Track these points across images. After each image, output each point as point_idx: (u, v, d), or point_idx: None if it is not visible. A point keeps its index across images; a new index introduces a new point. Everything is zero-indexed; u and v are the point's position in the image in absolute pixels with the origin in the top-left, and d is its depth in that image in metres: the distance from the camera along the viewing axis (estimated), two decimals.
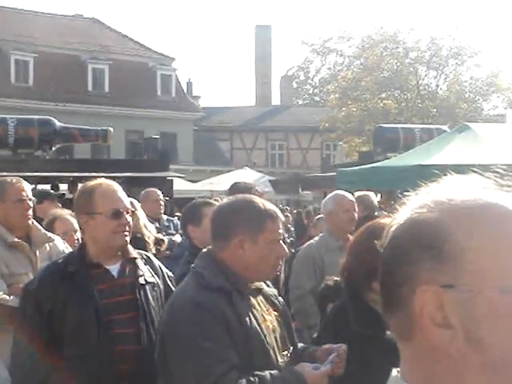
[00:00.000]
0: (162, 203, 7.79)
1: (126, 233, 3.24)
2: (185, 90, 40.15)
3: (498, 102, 36.98)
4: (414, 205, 1.00)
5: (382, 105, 34.83)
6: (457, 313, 0.93)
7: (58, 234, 4.65)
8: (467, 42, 36.50)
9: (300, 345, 2.99)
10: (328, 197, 5.52)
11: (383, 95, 35.98)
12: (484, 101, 37.13)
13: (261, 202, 2.77)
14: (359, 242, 3.09)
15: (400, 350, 1.03)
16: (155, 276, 3.32)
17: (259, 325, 2.64)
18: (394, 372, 1.06)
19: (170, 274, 3.48)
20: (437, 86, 37.68)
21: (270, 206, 2.77)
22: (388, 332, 2.44)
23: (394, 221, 1.02)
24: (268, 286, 2.96)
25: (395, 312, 0.99)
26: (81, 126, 14.24)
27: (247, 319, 2.60)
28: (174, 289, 3.22)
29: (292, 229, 13.50)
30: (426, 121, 30.98)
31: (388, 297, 1.01)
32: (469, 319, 0.92)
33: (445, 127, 17.70)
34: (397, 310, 0.99)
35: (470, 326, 0.92)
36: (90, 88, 35.21)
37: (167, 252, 6.34)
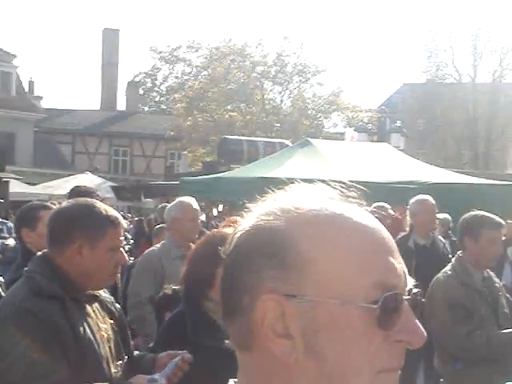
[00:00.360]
0: None
1: None
2: (26, 90, 38.78)
3: (338, 120, 38.67)
4: (260, 212, 0.98)
5: (227, 116, 35.35)
6: (298, 323, 0.91)
7: None
8: (311, 61, 37.91)
9: (136, 353, 2.93)
10: (172, 204, 5.40)
11: (229, 107, 36.58)
12: (325, 118, 38.70)
13: (102, 208, 2.69)
14: (198, 251, 3.09)
15: (238, 360, 1.00)
16: None
17: (93, 334, 2.55)
18: (231, 383, 1.03)
19: (1, 278, 3.33)
20: (281, 101, 38.85)
21: (111, 212, 2.70)
22: (226, 342, 2.45)
23: (239, 227, 1.00)
24: (104, 292, 2.88)
25: (235, 320, 0.97)
26: None
27: (81, 328, 2.50)
28: (3, 294, 3.07)
29: (129, 236, 13.34)
30: (269, 135, 31.79)
31: (229, 304, 0.98)
32: (309, 330, 0.91)
33: (287, 142, 18.30)
34: (237, 318, 0.96)
35: (310, 336, 0.91)
36: None
37: None
